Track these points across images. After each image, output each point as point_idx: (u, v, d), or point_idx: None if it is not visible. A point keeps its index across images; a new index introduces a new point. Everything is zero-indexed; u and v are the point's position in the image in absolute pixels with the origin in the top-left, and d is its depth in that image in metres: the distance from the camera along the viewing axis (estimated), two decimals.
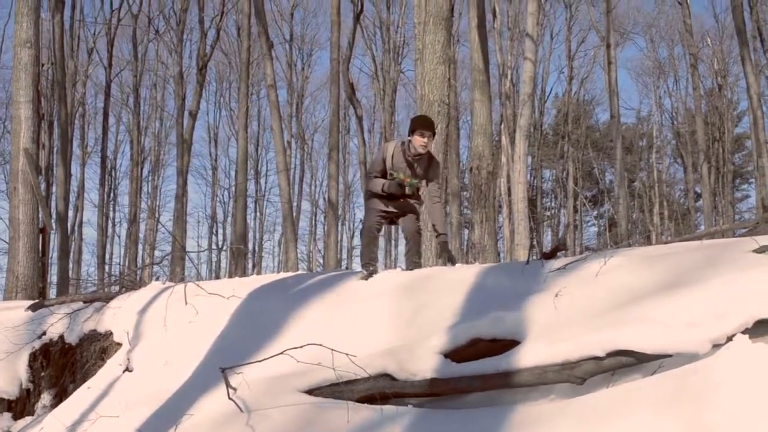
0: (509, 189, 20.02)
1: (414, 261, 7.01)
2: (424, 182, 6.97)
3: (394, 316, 5.41)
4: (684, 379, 3.53)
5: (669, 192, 47.96)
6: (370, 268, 6.78)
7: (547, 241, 46.24)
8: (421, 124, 6.76)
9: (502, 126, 24.80)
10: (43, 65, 22.86)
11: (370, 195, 7.01)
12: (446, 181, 10.06)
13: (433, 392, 4.65)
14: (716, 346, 3.66)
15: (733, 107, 44.44)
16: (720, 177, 42.37)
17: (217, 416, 4.79)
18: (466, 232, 33.78)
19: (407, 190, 6.70)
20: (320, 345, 5.12)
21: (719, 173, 42.44)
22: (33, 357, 8.42)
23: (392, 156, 6.81)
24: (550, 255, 6.15)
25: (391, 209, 6.94)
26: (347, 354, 4.87)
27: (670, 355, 3.83)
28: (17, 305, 9.57)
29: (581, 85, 46.48)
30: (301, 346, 5.06)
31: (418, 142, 6.69)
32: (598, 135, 48.48)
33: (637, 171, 47.40)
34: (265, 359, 5.19)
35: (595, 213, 51.56)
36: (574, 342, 4.13)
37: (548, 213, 49.73)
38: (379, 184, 6.82)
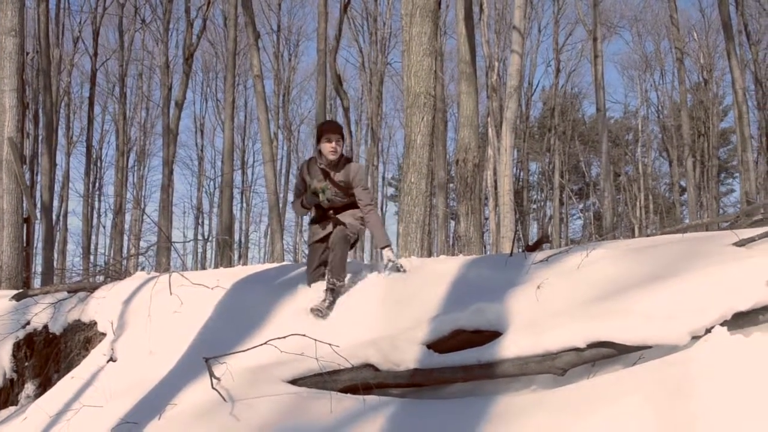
0: (495, 182, 20.08)
1: (325, 277, 6.09)
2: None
3: (378, 307, 5.43)
4: (664, 370, 3.58)
5: (654, 186, 48.21)
6: (324, 309, 5.77)
7: (533, 234, 46.44)
8: (327, 129, 6.22)
9: (489, 118, 24.79)
10: (27, 54, 22.77)
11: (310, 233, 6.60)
12: (432, 174, 10.05)
13: (416, 383, 4.68)
14: (695, 338, 3.71)
15: (718, 102, 44.66)
16: (705, 171, 42.61)
17: (201, 405, 4.81)
18: (452, 224, 33.87)
19: (322, 197, 6.16)
20: (303, 335, 5.16)
21: (704, 167, 42.68)
22: (17, 347, 8.39)
23: (308, 172, 6.37)
24: (534, 247, 6.20)
25: (329, 230, 6.34)
26: (330, 344, 4.89)
27: (650, 347, 3.88)
28: (1, 295, 9.53)
29: (568, 78, 46.69)
30: (285, 336, 5.08)
31: (327, 148, 6.16)
32: (584, 128, 48.67)
33: (622, 164, 47.61)
34: (248, 349, 5.21)
35: (581, 206, 51.80)
36: (555, 333, 4.17)
37: (534, 206, 49.90)
38: (298, 202, 6.42)
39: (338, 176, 6.24)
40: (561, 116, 45.38)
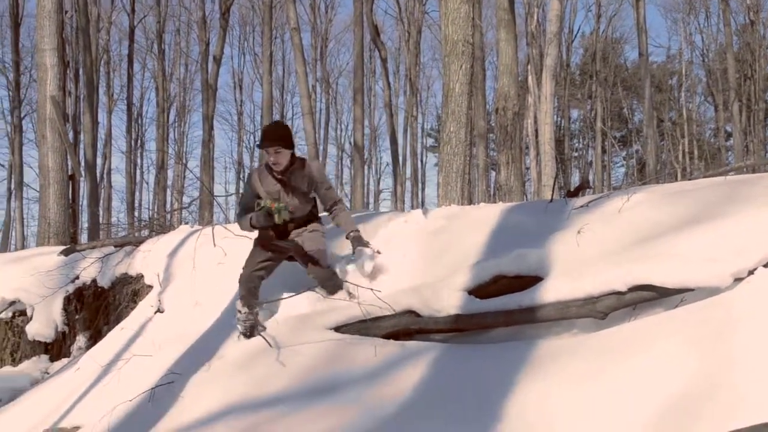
0: (536, 130, 19.85)
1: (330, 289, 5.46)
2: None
3: (419, 254, 5.46)
4: (705, 312, 3.57)
5: (699, 131, 47.28)
6: (247, 323, 5.40)
7: (575, 182, 45.94)
8: (264, 140, 5.23)
9: (529, 66, 24.46)
10: (66, 12, 22.90)
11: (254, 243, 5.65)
12: (472, 123, 9.96)
13: (458, 328, 4.73)
14: (737, 280, 3.68)
15: (765, 44, 43.43)
16: (751, 115, 41.59)
17: (247, 352, 4.91)
18: (493, 174, 33.66)
19: (278, 219, 5.20)
20: (345, 281, 5.23)
21: (751, 111, 41.64)
22: (67, 300, 8.63)
23: (260, 182, 5.40)
24: (574, 193, 6.17)
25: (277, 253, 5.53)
26: (372, 289, 4.95)
27: (691, 289, 3.85)
28: (50, 251, 9.76)
29: (609, 22, 45.60)
30: None
31: (269, 161, 5.26)
32: (626, 74, 47.73)
33: (666, 110, 46.72)
34: (291, 296, 5.28)
35: (624, 153, 51.04)
36: (595, 277, 4.17)
37: (576, 154, 49.33)
38: (246, 220, 5.39)
39: (296, 181, 5.38)
40: (602, 62, 44.51)
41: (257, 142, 5.53)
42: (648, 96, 25.44)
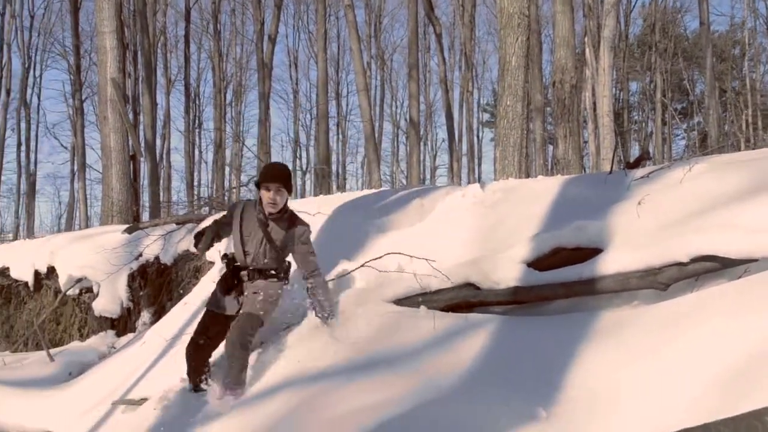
0: (594, 103, 19.54)
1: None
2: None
3: (477, 227, 5.46)
4: None
5: (763, 101, 46.03)
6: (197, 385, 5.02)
7: (634, 156, 45.12)
8: (268, 175, 4.93)
9: (586, 38, 24.00)
10: None
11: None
12: (528, 96, 9.88)
13: (517, 300, 4.73)
14: None
15: None
16: None
17: (307, 325, 4.96)
18: (551, 149, 33.29)
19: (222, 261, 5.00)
20: (399, 253, 5.23)
21: None
22: (131, 277, 8.84)
23: (241, 216, 5.05)
24: (634, 165, 6.09)
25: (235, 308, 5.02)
26: (427, 260, 4.96)
27: (755, 260, 3.79)
28: (114, 229, 10.01)
29: None
30: (381, 257, 5.20)
31: (265, 198, 4.88)
32: (687, 44, 46.62)
33: (728, 80, 45.54)
34: (350, 271, 5.33)
35: (685, 126, 49.99)
36: (656, 248, 4.13)
37: (635, 127, 48.48)
38: (205, 239, 5.07)
39: (276, 232, 5.00)
40: (662, 32, 43.52)
41: (255, 178, 5.09)
42: (710, 66, 24.85)
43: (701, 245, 3.95)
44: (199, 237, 5.16)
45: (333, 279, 5.44)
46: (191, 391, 5.01)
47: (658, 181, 5.08)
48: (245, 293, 4.97)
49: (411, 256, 5.12)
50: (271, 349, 4.95)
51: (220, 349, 5.00)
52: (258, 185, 4.99)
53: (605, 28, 16.61)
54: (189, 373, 5.04)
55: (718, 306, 3.54)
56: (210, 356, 5.09)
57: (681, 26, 47.12)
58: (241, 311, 4.88)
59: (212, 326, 5.04)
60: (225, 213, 5.29)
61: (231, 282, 5.05)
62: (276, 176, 4.92)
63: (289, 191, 5.04)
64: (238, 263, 5.03)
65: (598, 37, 18.60)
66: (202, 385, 4.94)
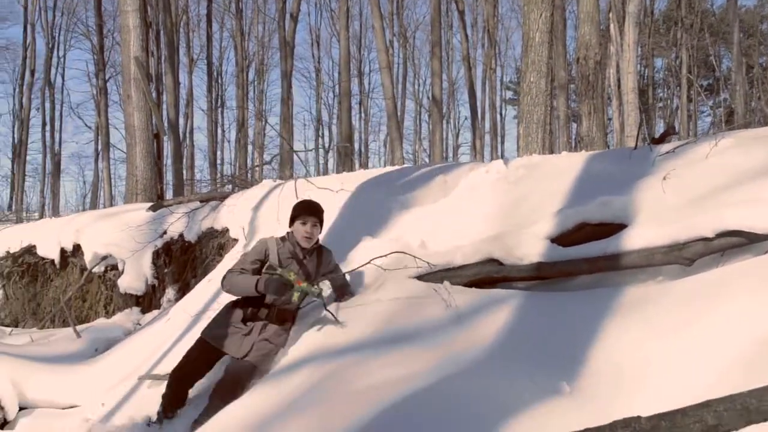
0: (619, 80, 19.37)
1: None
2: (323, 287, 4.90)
3: (500, 203, 5.44)
4: None
5: None
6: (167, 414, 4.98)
7: (659, 132, 44.64)
8: (304, 209, 5.01)
9: (611, 14, 23.75)
10: None
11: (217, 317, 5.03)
12: (552, 72, 9.80)
13: (540, 275, 4.72)
14: None
15: None
16: None
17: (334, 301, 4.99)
18: (574, 126, 33.05)
19: (295, 297, 4.68)
20: (403, 253, 5.19)
21: None
22: (156, 255, 8.90)
23: (276, 252, 4.94)
24: (659, 140, 6.04)
25: (237, 339, 4.76)
26: (428, 263, 5.00)
27: None
28: (139, 207, 10.07)
29: None
30: (385, 255, 5.17)
31: (301, 232, 4.90)
32: (713, 19, 45.98)
33: (756, 56, 44.92)
34: (356, 269, 5.28)
35: (711, 102, 49.41)
36: (682, 223, 4.10)
37: (660, 104, 48.00)
38: (249, 282, 4.74)
39: (310, 265, 5.00)
40: (688, 7, 42.93)
41: (291, 215, 5.09)
42: (737, 41, 24.53)
43: (727, 220, 3.92)
44: (254, 281, 4.76)
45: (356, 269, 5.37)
46: (155, 422, 4.97)
47: (683, 157, 5.04)
48: (254, 333, 4.77)
49: (415, 257, 5.06)
50: (297, 322, 4.98)
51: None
52: (292, 220, 5.02)
53: (630, 3, 16.46)
54: (166, 401, 4.97)
55: (743, 282, 3.52)
56: (192, 386, 5.01)
57: (707, 1, 46.43)
58: (247, 358, 4.65)
59: (201, 357, 4.90)
60: (249, 253, 5.09)
61: (247, 315, 4.88)
62: (313, 211, 5.00)
63: (322, 226, 5.14)
64: (293, 300, 4.75)
65: (623, 13, 18.40)
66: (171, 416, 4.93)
